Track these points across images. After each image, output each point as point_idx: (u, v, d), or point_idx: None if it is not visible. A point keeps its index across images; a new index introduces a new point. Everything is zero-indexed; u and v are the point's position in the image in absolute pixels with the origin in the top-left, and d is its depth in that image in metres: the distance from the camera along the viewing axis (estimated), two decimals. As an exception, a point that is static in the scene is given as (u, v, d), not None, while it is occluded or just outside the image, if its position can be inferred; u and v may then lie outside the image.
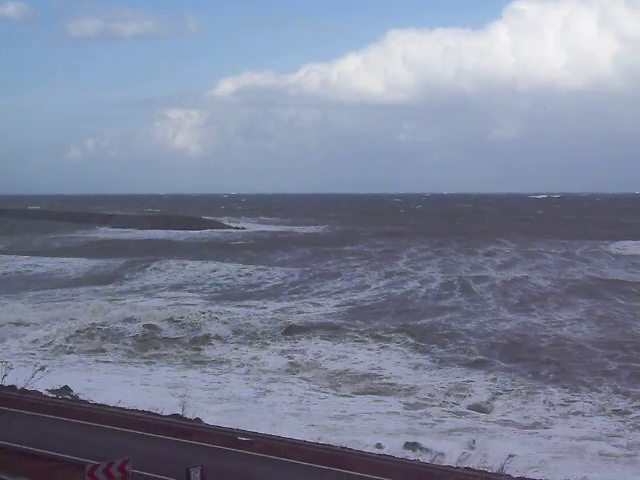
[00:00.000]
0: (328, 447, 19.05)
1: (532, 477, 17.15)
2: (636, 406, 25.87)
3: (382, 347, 35.60)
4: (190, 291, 53.76)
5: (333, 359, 33.76)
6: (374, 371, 31.60)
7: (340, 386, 29.78)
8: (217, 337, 38.36)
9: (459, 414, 25.74)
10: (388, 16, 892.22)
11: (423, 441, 20.99)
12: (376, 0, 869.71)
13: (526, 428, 23.83)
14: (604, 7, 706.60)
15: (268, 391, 28.67)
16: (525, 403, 25.92)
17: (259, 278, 58.60)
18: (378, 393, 28.62)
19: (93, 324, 39.70)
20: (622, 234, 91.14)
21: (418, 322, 40.84)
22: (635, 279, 55.84)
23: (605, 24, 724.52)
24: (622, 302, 45.69)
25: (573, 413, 25.31)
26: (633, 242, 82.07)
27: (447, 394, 27.81)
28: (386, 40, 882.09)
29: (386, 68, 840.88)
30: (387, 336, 37.24)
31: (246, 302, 48.51)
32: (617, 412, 25.37)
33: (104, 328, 39.20)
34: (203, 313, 42.22)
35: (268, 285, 55.70)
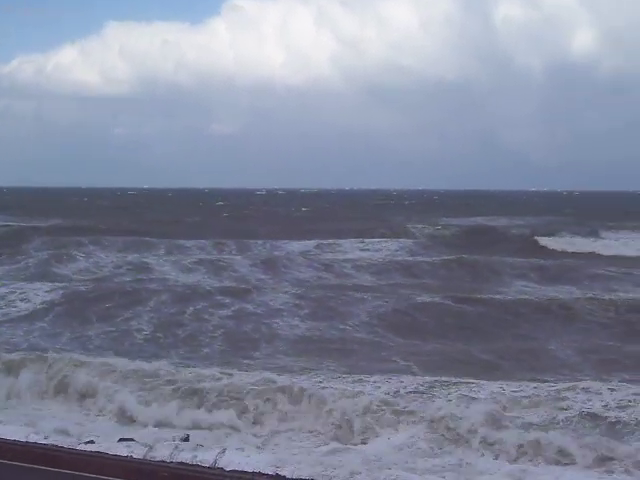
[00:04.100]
0: (36, 445, 18.62)
1: (244, 469, 17.61)
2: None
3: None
4: None
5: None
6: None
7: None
8: None
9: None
10: (106, 7, 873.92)
11: (137, 436, 20.88)
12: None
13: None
14: (321, 6, 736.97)
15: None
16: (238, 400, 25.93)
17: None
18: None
19: None
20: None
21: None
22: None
23: (322, 23, 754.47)
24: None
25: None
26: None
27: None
28: (104, 32, 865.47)
29: (104, 60, 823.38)
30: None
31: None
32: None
33: None
34: None
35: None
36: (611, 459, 19.00)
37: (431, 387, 24.88)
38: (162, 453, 18.69)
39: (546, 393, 23.87)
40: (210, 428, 22.70)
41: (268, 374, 25.94)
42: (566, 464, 19.15)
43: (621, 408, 22.28)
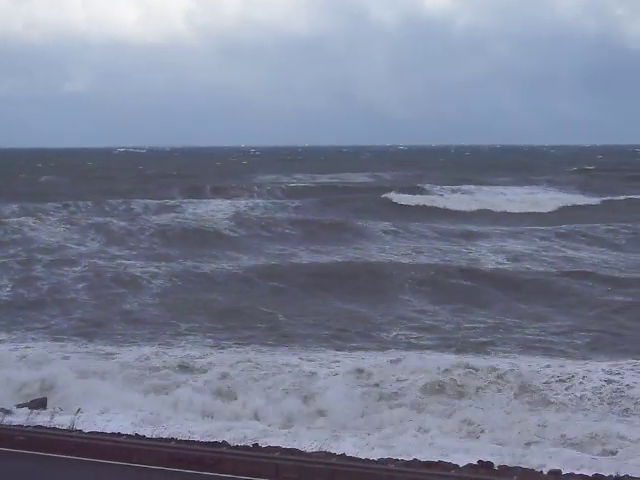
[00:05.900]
0: None
1: (101, 430, 17.74)
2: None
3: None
4: None
5: None
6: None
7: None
8: None
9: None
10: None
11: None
12: None
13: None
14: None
15: None
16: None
17: None
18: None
19: None
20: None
21: None
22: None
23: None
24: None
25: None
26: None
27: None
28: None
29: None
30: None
31: None
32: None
33: None
34: None
35: None
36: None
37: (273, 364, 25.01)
38: (18, 418, 18.62)
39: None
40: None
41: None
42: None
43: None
